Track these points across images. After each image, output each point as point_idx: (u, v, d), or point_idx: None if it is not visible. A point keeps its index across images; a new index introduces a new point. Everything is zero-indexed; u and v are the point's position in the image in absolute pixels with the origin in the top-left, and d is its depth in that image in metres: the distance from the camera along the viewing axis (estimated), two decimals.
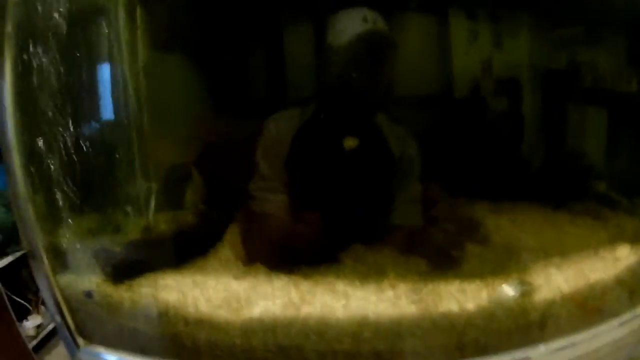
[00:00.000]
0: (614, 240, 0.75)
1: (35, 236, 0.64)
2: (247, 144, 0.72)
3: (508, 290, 0.63)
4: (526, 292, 0.64)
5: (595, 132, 0.83)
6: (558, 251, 0.71)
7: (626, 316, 0.76)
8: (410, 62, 0.86)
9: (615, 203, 0.80)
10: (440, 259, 0.67)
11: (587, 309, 0.72)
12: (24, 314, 1.70)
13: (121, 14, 0.71)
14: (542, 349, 0.65)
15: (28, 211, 0.63)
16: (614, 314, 0.74)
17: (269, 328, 0.58)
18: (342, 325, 0.57)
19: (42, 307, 1.76)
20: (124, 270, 0.65)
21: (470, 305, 0.61)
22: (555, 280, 0.67)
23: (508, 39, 0.90)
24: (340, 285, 0.61)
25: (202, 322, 0.60)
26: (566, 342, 0.67)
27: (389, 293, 0.61)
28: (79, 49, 0.64)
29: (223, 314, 0.60)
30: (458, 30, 0.90)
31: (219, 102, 0.79)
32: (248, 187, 0.75)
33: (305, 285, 0.62)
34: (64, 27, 0.64)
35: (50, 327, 1.69)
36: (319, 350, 0.56)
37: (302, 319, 0.58)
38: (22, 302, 1.69)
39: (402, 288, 0.62)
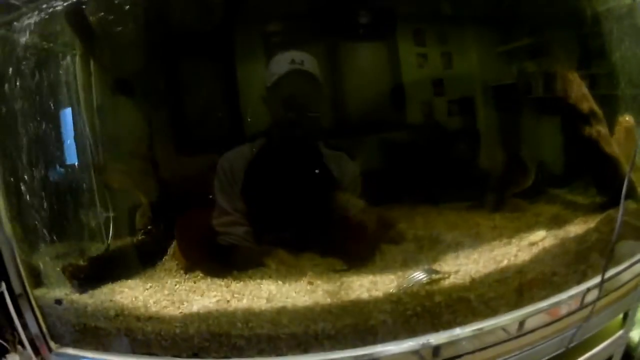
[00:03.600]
0: (530, 228, 0.91)
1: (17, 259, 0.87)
2: (188, 174, 0.94)
3: (416, 278, 0.80)
4: (434, 279, 0.81)
5: (526, 134, 1.00)
6: (470, 242, 0.88)
7: (555, 299, 0.91)
8: (362, 90, 1.06)
9: (535, 195, 0.96)
10: (354, 258, 0.86)
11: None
12: (2, 353, 1.94)
13: (76, 61, 0.94)
14: (457, 331, 0.81)
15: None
16: (542, 297, 0.89)
17: (203, 319, 0.78)
18: (263, 314, 0.77)
19: (19, 347, 2.01)
20: (87, 281, 0.87)
21: (379, 294, 0.79)
22: (465, 268, 0.84)
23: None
24: (265, 285, 0.81)
25: (150, 319, 0.81)
26: (483, 325, 0.82)
27: (307, 288, 0.80)
28: (40, 95, 0.88)
29: (167, 311, 0.81)
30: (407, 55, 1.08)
31: (172, 141, 1.01)
32: (212, 223, 0.94)
33: (235, 285, 0.82)
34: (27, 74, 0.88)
35: None
36: (244, 335, 0.76)
37: (230, 311, 0.78)
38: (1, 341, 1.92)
39: (319, 284, 0.80)
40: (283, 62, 0.94)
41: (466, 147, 0.96)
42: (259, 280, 0.83)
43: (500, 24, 1.05)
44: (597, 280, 0.95)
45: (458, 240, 0.90)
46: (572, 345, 0.96)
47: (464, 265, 0.86)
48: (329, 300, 0.78)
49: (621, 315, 1.03)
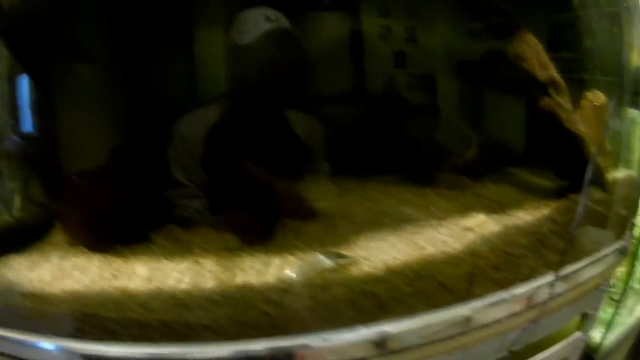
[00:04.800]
0: (469, 209, 0.75)
1: None
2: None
3: (314, 262, 0.67)
4: (340, 265, 0.67)
5: (469, 100, 0.82)
6: (392, 222, 0.72)
7: (493, 298, 0.75)
8: (323, 60, 0.91)
9: (480, 173, 0.79)
10: (250, 234, 0.72)
11: None
12: None
13: None
14: (363, 331, 0.66)
15: None
16: (475, 294, 0.74)
17: (78, 298, 0.68)
18: (137, 296, 0.66)
19: None
20: None
21: (270, 278, 0.66)
22: (379, 253, 0.69)
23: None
24: (148, 262, 0.70)
25: (33, 295, 0.72)
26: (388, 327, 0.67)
27: (191, 267, 0.68)
28: None
29: (49, 288, 0.72)
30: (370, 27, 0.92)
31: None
32: (167, 195, 0.84)
33: (116, 262, 0.71)
34: None
35: None
36: (114, 317, 0.65)
37: (106, 290, 0.68)
38: None
39: (206, 263, 0.68)
40: (257, 19, 0.80)
41: (400, 112, 0.80)
42: (141, 257, 0.72)
43: None
44: (549, 278, 0.79)
45: (376, 219, 0.74)
46: (515, 349, 0.81)
47: (377, 250, 0.71)
48: (210, 283, 0.66)
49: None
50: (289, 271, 0.66)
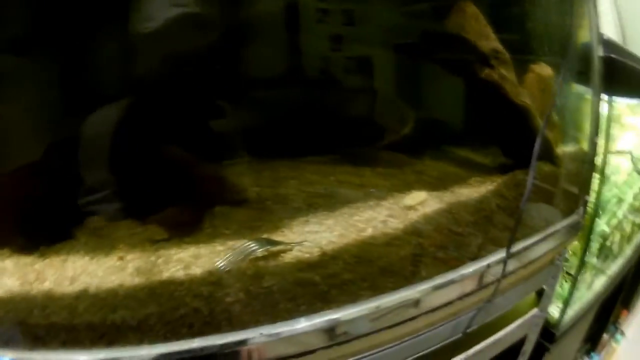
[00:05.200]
0: (409, 187, 0.72)
1: None
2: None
3: (244, 250, 0.63)
4: (271, 252, 0.64)
5: (405, 71, 0.78)
6: (328, 204, 0.69)
7: (440, 280, 0.72)
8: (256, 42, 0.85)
9: (419, 149, 0.76)
10: (177, 225, 0.68)
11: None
12: None
13: None
14: (303, 323, 0.63)
15: None
16: (421, 278, 0.71)
17: (4, 305, 0.64)
18: (62, 299, 0.62)
19: None
20: None
21: (198, 271, 0.62)
22: (314, 237, 0.66)
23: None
24: (71, 262, 0.66)
25: None
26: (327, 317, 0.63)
27: (116, 264, 0.64)
28: None
29: None
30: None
31: None
32: (79, 203, 0.76)
33: (40, 264, 0.67)
34: None
35: None
36: (41, 323, 0.61)
37: (32, 295, 0.64)
38: None
39: (130, 259, 0.64)
40: (161, 3, 0.72)
41: (335, 93, 0.76)
42: (64, 257, 0.67)
43: None
44: (500, 255, 0.76)
45: (311, 202, 0.71)
46: (470, 330, 0.78)
47: (313, 234, 0.67)
48: (136, 281, 0.62)
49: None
50: (217, 262, 0.63)
